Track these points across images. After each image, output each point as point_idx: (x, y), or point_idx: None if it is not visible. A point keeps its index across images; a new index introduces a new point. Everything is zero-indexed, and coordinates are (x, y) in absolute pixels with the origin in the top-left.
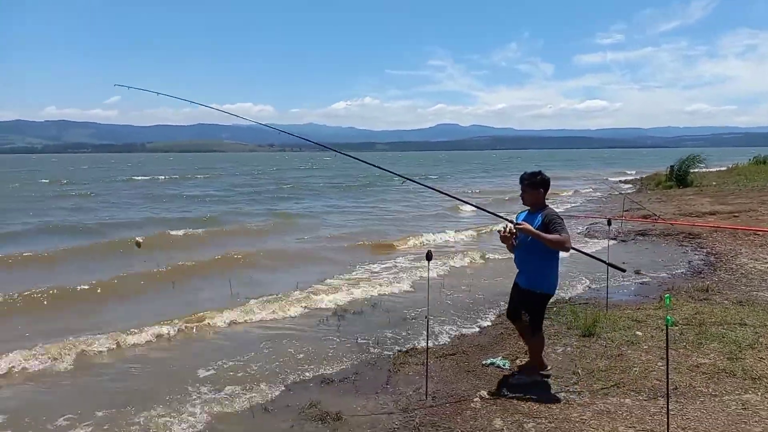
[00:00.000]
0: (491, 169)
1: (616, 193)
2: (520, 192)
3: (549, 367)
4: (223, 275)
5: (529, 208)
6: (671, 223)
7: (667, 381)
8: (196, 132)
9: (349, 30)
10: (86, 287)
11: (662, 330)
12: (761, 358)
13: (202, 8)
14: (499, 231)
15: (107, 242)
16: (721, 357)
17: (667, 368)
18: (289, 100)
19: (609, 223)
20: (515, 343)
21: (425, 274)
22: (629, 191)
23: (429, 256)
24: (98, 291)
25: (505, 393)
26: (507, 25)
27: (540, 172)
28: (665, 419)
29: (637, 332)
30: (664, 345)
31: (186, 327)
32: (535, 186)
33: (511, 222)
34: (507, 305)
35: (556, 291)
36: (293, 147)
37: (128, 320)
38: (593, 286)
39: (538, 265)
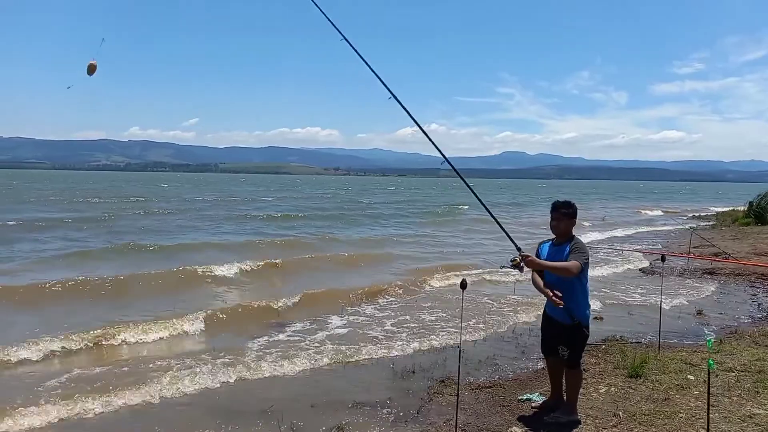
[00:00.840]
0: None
1: (686, 227)
2: (552, 221)
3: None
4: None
5: (554, 238)
6: (743, 263)
7: (708, 429)
8: (266, 154)
9: (418, 57)
10: None
11: (717, 375)
12: None
13: (275, 34)
14: (503, 267)
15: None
16: None
17: (708, 415)
18: (356, 126)
19: (663, 259)
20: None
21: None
22: (704, 227)
23: (463, 285)
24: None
25: (539, 431)
26: (579, 52)
27: (572, 203)
28: None
29: (689, 376)
30: (717, 392)
31: None
32: (571, 216)
33: (519, 250)
34: (541, 340)
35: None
36: (358, 171)
37: None
38: (646, 324)
39: (576, 296)
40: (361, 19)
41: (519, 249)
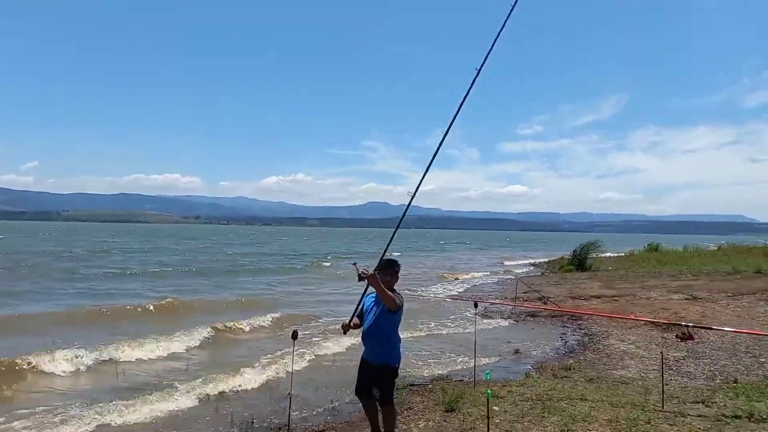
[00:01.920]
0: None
1: (513, 277)
2: (386, 276)
3: None
4: None
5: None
6: (556, 309)
7: None
8: (118, 202)
9: (288, 107)
10: None
11: (516, 404)
12: (588, 430)
13: (131, 71)
14: (355, 263)
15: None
16: (557, 429)
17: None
18: (220, 173)
19: (475, 305)
20: None
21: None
22: (535, 273)
23: (294, 336)
24: None
25: None
26: (434, 111)
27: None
28: None
29: (494, 407)
30: (513, 419)
31: None
32: (397, 274)
33: (365, 271)
34: (356, 383)
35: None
36: (221, 220)
37: None
38: (469, 364)
39: (391, 340)
40: (241, 60)
41: (375, 270)
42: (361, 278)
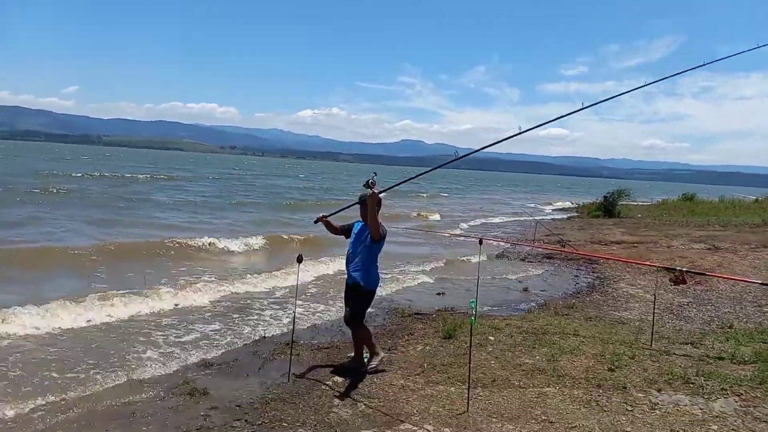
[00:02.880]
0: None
1: (538, 219)
2: (361, 209)
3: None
4: None
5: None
6: (572, 252)
7: (469, 371)
8: (156, 128)
9: (321, 40)
10: None
11: (512, 336)
12: (573, 361)
13: (172, 4)
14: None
15: None
16: (543, 359)
17: (470, 360)
18: (255, 104)
19: (480, 242)
20: (390, 340)
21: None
22: (561, 218)
23: (300, 259)
24: None
25: (354, 380)
26: (477, 48)
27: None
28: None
29: (490, 337)
30: (506, 348)
31: None
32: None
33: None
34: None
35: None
36: (255, 151)
37: None
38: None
39: (365, 264)
40: None
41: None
42: (367, 185)
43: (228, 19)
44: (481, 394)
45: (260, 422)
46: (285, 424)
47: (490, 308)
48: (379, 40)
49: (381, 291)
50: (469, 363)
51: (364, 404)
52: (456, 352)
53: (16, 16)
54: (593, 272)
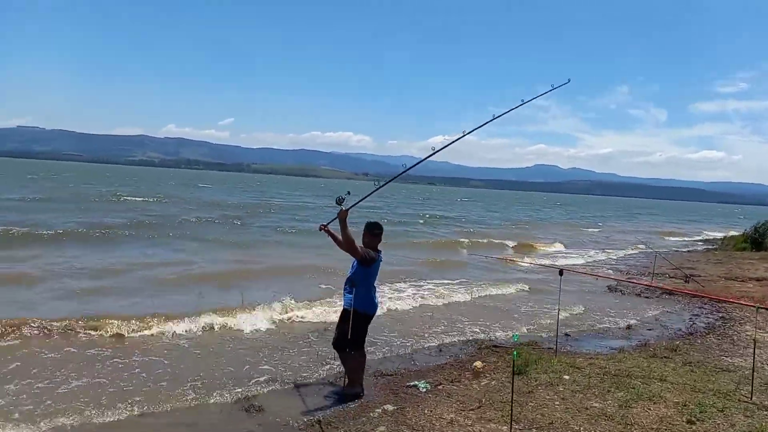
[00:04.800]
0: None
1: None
2: (371, 238)
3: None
4: None
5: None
6: (674, 291)
7: (511, 406)
8: (297, 157)
9: (452, 69)
10: None
11: (590, 377)
12: (649, 409)
13: (313, 35)
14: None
15: None
16: (615, 404)
17: (512, 395)
18: (388, 132)
19: (560, 273)
20: (450, 371)
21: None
22: (700, 250)
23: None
24: None
25: (404, 409)
26: (620, 67)
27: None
28: None
29: (565, 376)
30: (578, 389)
31: None
32: (378, 236)
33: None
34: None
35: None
36: (386, 177)
37: None
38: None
39: (353, 287)
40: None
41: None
42: (338, 202)
43: (362, 49)
44: None
45: None
46: None
47: (577, 345)
48: (511, 62)
49: (468, 324)
50: (512, 400)
51: None
52: (522, 389)
53: (187, 60)
54: (717, 311)
